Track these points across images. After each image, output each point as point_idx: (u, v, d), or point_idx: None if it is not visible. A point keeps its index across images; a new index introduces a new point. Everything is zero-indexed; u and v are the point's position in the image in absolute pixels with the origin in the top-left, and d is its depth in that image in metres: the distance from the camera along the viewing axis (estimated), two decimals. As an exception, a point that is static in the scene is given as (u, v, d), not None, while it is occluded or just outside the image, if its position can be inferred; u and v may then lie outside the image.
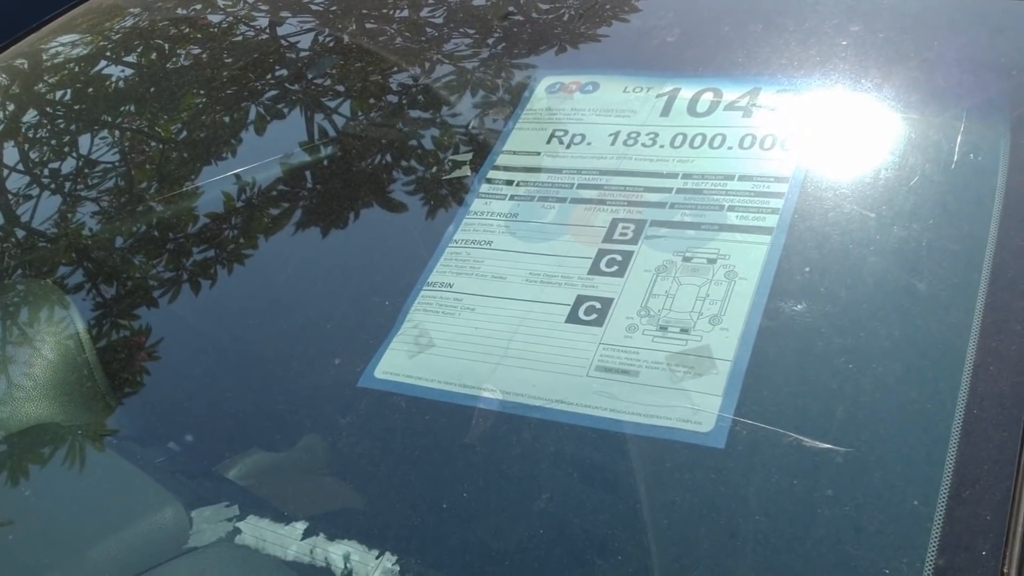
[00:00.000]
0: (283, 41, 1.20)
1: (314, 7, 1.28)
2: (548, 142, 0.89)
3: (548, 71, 0.97)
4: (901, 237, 0.71)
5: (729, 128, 0.83)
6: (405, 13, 1.17)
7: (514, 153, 0.89)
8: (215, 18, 1.32)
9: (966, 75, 0.81)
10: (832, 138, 0.79)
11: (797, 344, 0.67)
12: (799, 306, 0.69)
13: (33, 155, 1.21)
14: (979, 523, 0.55)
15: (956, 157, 0.75)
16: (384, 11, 1.20)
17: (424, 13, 1.16)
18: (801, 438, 0.61)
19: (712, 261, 0.73)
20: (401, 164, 0.95)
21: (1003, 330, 0.63)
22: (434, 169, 0.92)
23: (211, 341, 0.89)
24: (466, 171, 0.90)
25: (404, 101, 1.01)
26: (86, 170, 1.12)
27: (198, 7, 1.39)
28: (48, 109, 1.30)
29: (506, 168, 0.88)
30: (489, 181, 0.87)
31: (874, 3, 0.91)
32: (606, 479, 0.64)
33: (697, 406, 0.64)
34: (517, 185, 0.86)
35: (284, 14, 1.28)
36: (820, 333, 0.67)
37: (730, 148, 0.81)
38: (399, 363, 0.74)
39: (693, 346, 0.68)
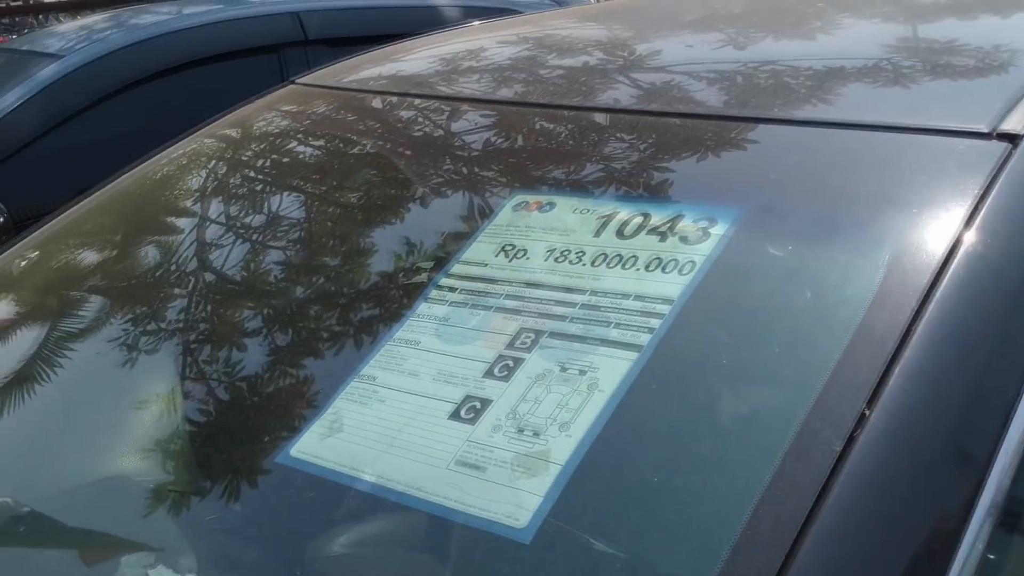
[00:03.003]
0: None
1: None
2: (496, 255, 0.98)
3: (521, 190, 1.07)
4: (744, 360, 0.75)
5: (643, 251, 0.90)
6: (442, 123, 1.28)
7: (467, 263, 0.99)
8: (406, 113, 1.43)
9: (855, 210, 0.84)
10: (723, 265, 0.84)
11: (622, 453, 0.73)
12: (639, 420, 0.74)
13: (232, 210, 1.40)
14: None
15: (826, 290, 0.78)
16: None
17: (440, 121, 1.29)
18: (596, 541, 0.67)
19: (583, 372, 0.80)
20: (378, 266, 1.07)
21: (803, 458, 0.66)
22: (400, 274, 1.04)
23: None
24: (425, 277, 1.01)
25: (394, 213, 1.14)
26: (273, 227, 1.28)
27: (394, 100, 1.54)
28: (248, 172, 1.52)
29: (456, 276, 0.98)
30: (439, 287, 0.98)
31: (806, 135, 0.96)
32: (428, 563, 0.72)
33: (519, 503, 0.71)
34: (458, 292, 0.96)
35: (415, 120, 1.38)
36: (642, 446, 0.72)
37: (638, 269, 0.88)
38: (312, 444, 0.85)
39: (537, 449, 0.75)
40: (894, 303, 0.74)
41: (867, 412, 0.67)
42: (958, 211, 0.80)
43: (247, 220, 1.32)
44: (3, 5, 7.28)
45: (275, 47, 3.81)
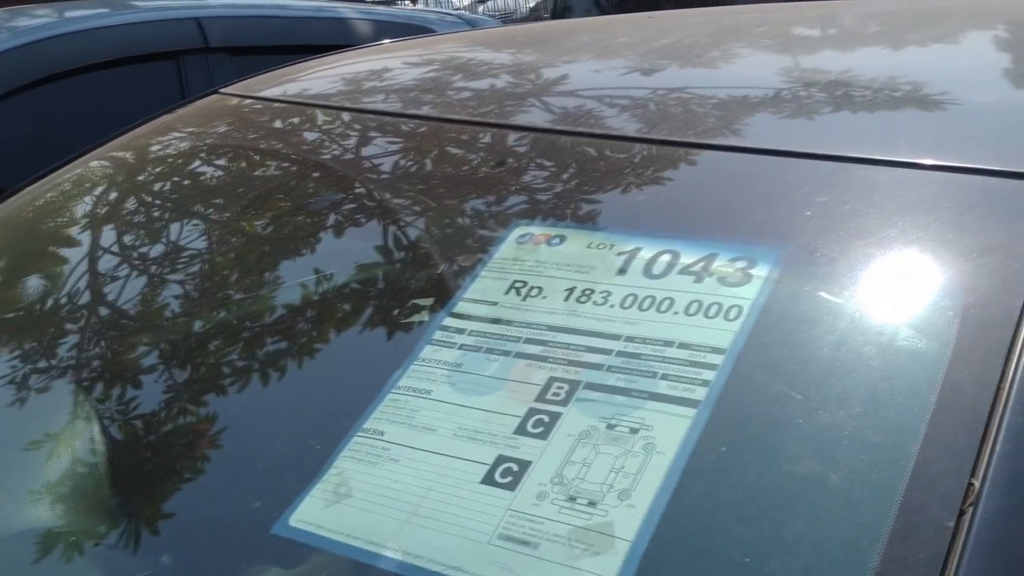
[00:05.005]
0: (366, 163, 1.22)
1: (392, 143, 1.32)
2: (507, 293, 0.89)
3: (523, 221, 0.98)
4: (824, 423, 0.68)
5: (678, 292, 0.82)
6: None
7: (473, 301, 0.90)
8: (361, 129, 1.33)
9: (925, 256, 0.79)
10: (774, 312, 0.77)
11: (699, 529, 0.64)
12: (709, 489, 0.66)
13: (126, 239, 1.26)
14: None
15: (899, 342, 0.72)
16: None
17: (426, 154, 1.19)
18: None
19: (634, 431, 0.72)
20: (365, 303, 0.97)
21: (914, 536, 0.59)
22: (395, 312, 0.93)
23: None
24: (424, 316, 0.90)
25: (382, 243, 1.04)
26: (172, 256, 1.15)
27: (296, 120, 1.44)
28: (145, 197, 1.37)
29: (462, 316, 0.88)
30: (443, 328, 0.88)
31: (848, 173, 0.90)
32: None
33: (586, 588, 0.62)
34: (468, 334, 0.86)
35: (373, 136, 1.29)
36: (723, 521, 0.64)
37: (676, 313, 0.80)
38: (314, 512, 0.74)
39: (596, 521, 0.66)
40: (977, 359, 0.69)
41: (974, 482, 0.61)
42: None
43: (194, 244, 1.19)
44: None
45: (174, 54, 3.62)
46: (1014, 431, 0.63)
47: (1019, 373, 0.66)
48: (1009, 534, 0.59)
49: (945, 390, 0.67)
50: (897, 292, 0.77)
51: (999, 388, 0.66)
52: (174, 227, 1.28)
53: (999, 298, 0.72)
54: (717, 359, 0.75)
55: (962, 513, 0.60)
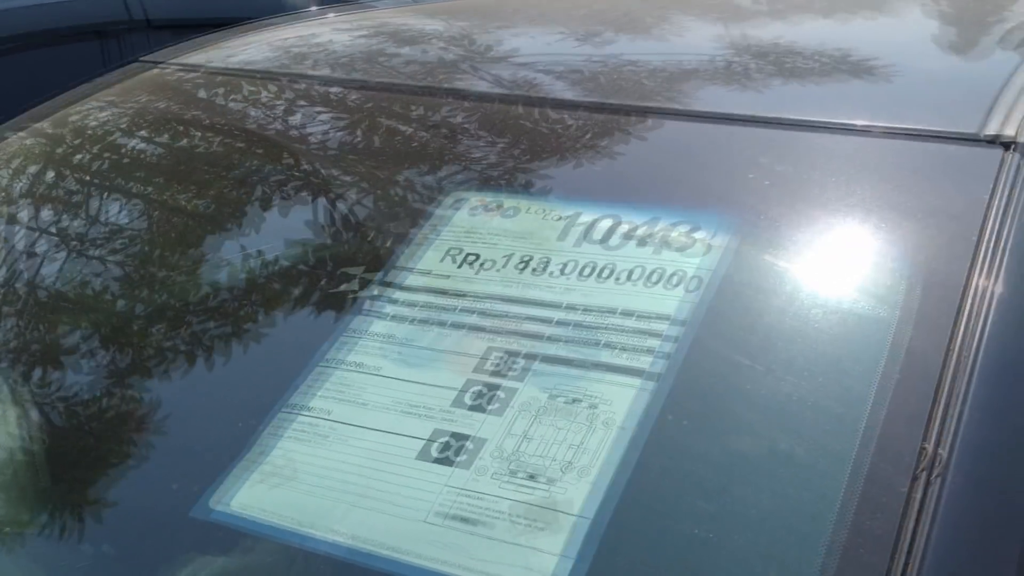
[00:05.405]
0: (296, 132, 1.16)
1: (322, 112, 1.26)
2: (442, 260, 0.85)
3: (461, 187, 0.94)
4: (780, 391, 0.65)
5: (621, 258, 0.79)
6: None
7: (409, 270, 0.85)
8: (291, 98, 1.27)
9: (871, 218, 0.77)
10: (722, 278, 0.75)
11: (650, 501, 0.62)
12: (660, 460, 0.63)
13: (43, 215, 1.18)
14: None
15: (847, 306, 0.70)
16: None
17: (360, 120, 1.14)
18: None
19: (578, 401, 0.68)
20: (294, 275, 0.92)
21: (868, 502, 0.57)
22: (323, 282, 0.88)
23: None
24: (355, 285, 0.86)
25: (313, 212, 0.99)
26: (93, 233, 1.09)
27: (220, 89, 1.37)
28: (63, 171, 1.29)
29: (394, 286, 0.84)
30: (376, 298, 0.83)
31: (790, 137, 0.88)
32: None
33: (527, 564, 0.58)
34: (403, 304, 0.82)
35: (302, 104, 1.24)
36: (675, 492, 0.61)
37: (617, 280, 0.77)
38: (236, 493, 0.69)
39: (540, 496, 0.63)
40: (926, 321, 0.67)
41: (927, 447, 0.59)
42: (972, 220, 0.74)
43: (116, 219, 1.12)
44: None
45: (95, 29, 3.47)
46: (966, 393, 0.61)
47: (969, 334, 0.64)
48: (965, 496, 0.57)
49: (895, 353, 0.65)
50: (844, 255, 0.75)
51: (949, 350, 0.64)
52: (93, 202, 1.21)
53: (946, 259, 0.71)
54: (666, 327, 0.72)
55: (916, 478, 0.58)
